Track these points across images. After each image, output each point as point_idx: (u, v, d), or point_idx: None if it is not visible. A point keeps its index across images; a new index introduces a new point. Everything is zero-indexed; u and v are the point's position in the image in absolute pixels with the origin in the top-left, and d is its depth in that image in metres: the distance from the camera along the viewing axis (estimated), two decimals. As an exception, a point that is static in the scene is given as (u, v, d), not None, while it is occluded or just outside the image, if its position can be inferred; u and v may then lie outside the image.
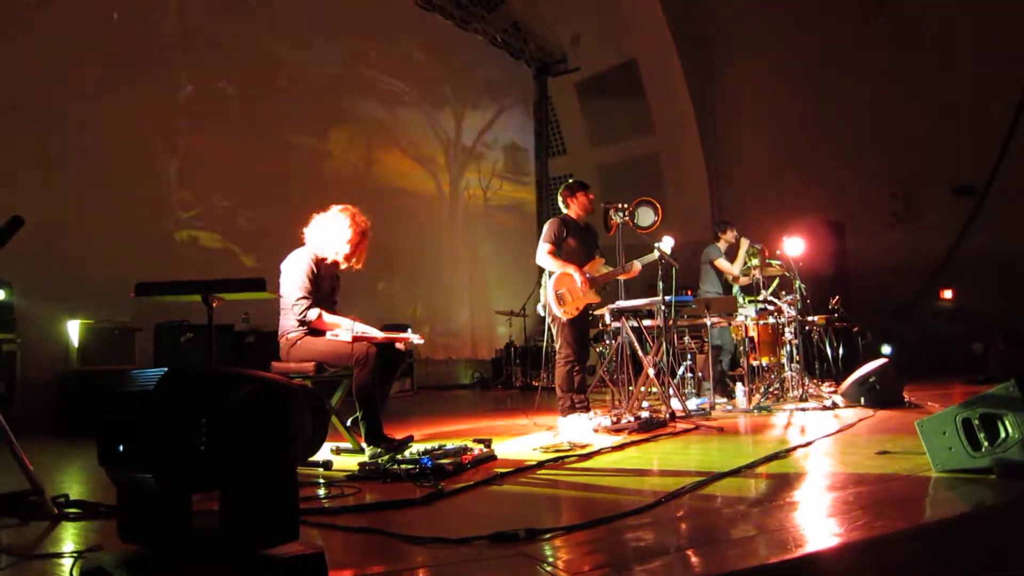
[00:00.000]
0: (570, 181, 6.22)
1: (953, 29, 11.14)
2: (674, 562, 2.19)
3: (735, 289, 8.13)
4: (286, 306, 4.46)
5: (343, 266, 4.67)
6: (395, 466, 3.60)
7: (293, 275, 4.45)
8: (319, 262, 4.55)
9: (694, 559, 2.23)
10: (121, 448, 1.74)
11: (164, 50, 8.22)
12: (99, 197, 7.42)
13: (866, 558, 2.26)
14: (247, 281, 3.75)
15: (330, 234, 4.57)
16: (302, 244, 4.65)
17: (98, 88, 7.52)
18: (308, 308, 4.37)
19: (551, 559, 2.22)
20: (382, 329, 4.58)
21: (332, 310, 4.59)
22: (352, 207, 4.68)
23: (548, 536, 2.43)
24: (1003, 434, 3.13)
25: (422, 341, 4.62)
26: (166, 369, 1.71)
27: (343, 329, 4.37)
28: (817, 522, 2.62)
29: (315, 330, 4.41)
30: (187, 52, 8.44)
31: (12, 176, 6.77)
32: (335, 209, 4.64)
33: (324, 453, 4.25)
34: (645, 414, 5.72)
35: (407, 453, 3.95)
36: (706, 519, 2.80)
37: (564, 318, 5.64)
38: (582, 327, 5.80)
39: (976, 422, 3.20)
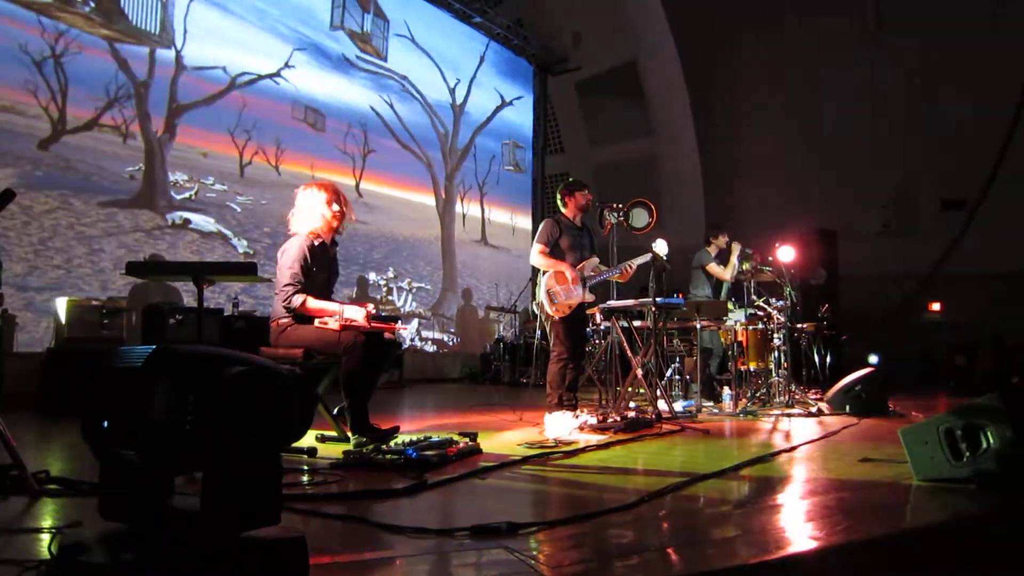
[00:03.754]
0: (569, 180, 6.23)
1: (946, 45, 11.20)
2: (655, 559, 2.20)
3: (723, 292, 8.15)
4: (279, 291, 4.46)
5: (340, 226, 4.70)
6: (380, 456, 3.60)
7: (284, 261, 4.45)
8: (313, 248, 4.54)
9: (675, 557, 2.24)
10: (105, 423, 1.73)
11: (162, 29, 8.20)
12: (92, 175, 7.39)
13: (845, 562, 2.28)
14: (239, 265, 3.75)
15: (313, 211, 4.59)
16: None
17: (94, 64, 7.49)
18: (293, 295, 4.37)
19: (532, 552, 2.22)
20: (371, 321, 4.57)
21: (329, 297, 4.59)
22: (311, 183, 4.76)
23: (530, 530, 2.43)
24: (984, 445, 3.15)
25: (407, 331, 4.63)
26: (154, 346, 1.71)
27: (331, 317, 4.36)
28: (798, 525, 2.63)
29: (302, 316, 4.40)
30: (183, 33, 8.41)
31: (4, 150, 6.74)
32: (301, 192, 4.69)
33: (309, 440, 4.25)
34: (631, 414, 5.74)
35: (392, 443, 3.95)
36: (688, 519, 2.81)
37: (556, 316, 5.65)
38: (576, 326, 5.80)
39: (958, 432, 3.22)
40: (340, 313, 4.37)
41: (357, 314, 4.41)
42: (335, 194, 4.67)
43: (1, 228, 6.55)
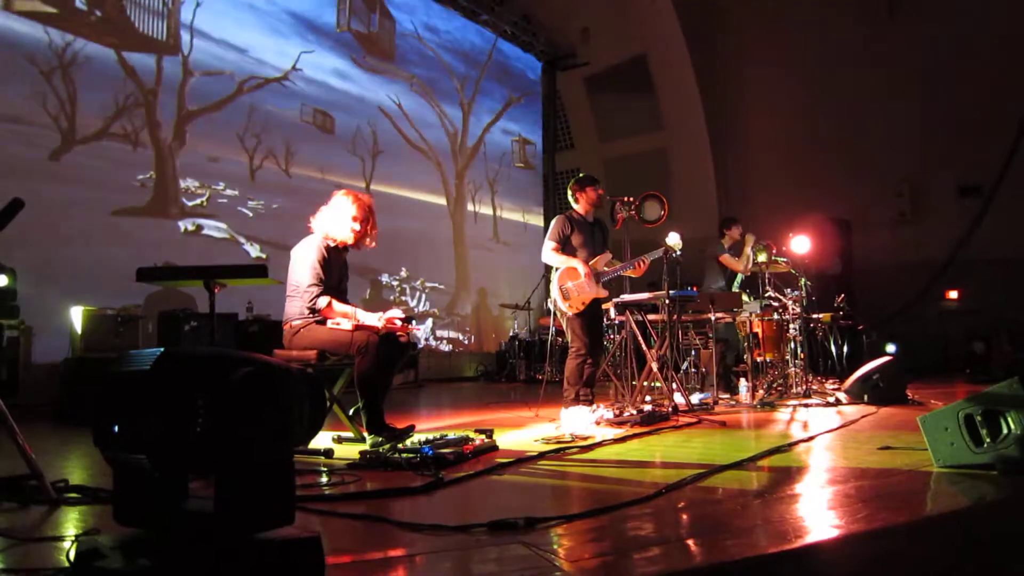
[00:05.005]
0: (580, 176, 6.20)
1: (960, 29, 11.09)
2: (674, 551, 2.19)
3: (736, 284, 8.10)
4: (294, 293, 4.47)
5: (357, 245, 4.67)
6: (396, 455, 3.60)
7: (303, 263, 4.45)
8: (329, 249, 4.55)
9: (694, 548, 2.22)
10: (116, 429, 1.73)
11: (169, 36, 8.24)
12: (103, 184, 7.43)
13: (866, 550, 2.25)
14: (249, 267, 3.74)
15: (336, 220, 4.57)
16: (310, 233, 4.66)
17: (103, 73, 7.52)
18: (318, 296, 4.38)
19: (550, 547, 2.21)
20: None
21: (342, 299, 4.59)
22: (346, 191, 4.70)
23: (548, 525, 2.41)
24: (1005, 430, 3.11)
25: (420, 331, 4.62)
26: (162, 349, 1.70)
27: (345, 318, 4.37)
28: (818, 514, 2.61)
29: (321, 318, 4.41)
30: (189, 40, 8.45)
31: (16, 162, 6.78)
32: (337, 195, 4.67)
33: (326, 441, 4.26)
34: (648, 407, 5.72)
35: (408, 442, 3.95)
36: (707, 510, 2.78)
37: (570, 312, 5.63)
38: (592, 321, 5.78)
39: (979, 418, 3.19)
40: (369, 321, 4.38)
41: (372, 320, 4.41)
42: (366, 213, 4.65)
43: (14, 239, 6.58)
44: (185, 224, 8.15)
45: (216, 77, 8.69)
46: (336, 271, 4.65)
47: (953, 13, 11.20)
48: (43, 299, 6.80)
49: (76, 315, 6.42)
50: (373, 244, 4.75)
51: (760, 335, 7.22)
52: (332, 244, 4.59)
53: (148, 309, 7.16)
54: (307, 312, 4.42)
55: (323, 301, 4.39)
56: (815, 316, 7.90)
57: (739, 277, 8.10)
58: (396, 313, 4.56)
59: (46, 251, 6.88)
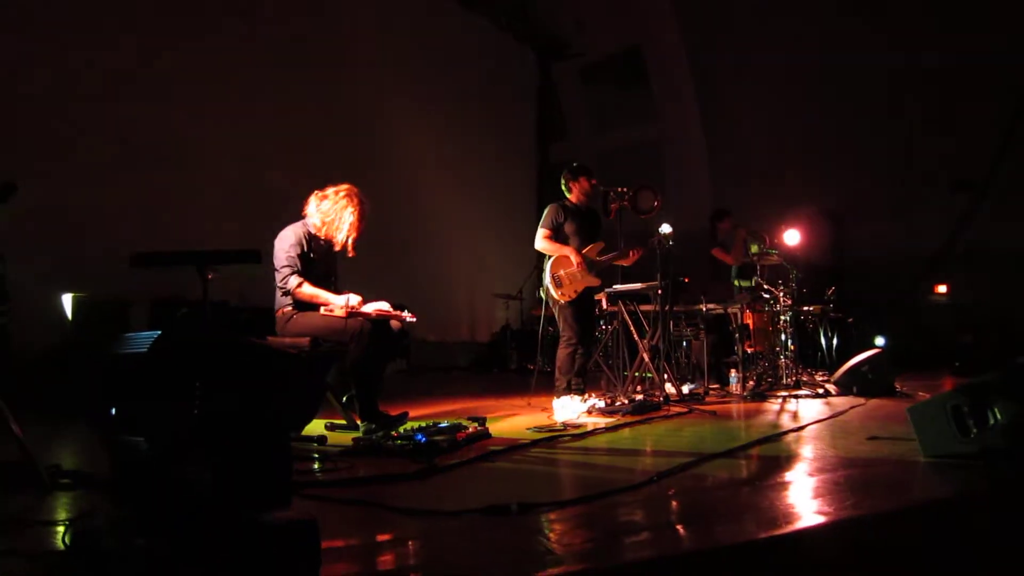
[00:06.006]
0: (573, 165, 6.21)
1: (955, 22, 11.11)
2: (664, 536, 2.21)
3: (733, 275, 8.14)
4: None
5: (349, 249, 4.68)
6: (390, 442, 3.62)
7: (280, 247, 4.46)
8: (311, 237, 4.55)
9: (684, 533, 2.25)
10: (113, 411, 1.74)
11: (166, 27, 8.19)
12: (96, 171, 7.38)
13: (852, 537, 2.28)
14: (242, 252, 3.71)
15: (334, 221, 4.57)
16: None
17: (96, 62, 7.47)
18: (289, 276, 4.38)
19: (543, 532, 2.24)
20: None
21: (330, 289, 4.58)
22: (350, 188, 4.70)
23: (540, 510, 2.44)
24: (992, 421, 3.14)
25: (414, 319, 4.62)
26: (160, 333, 1.72)
27: (337, 305, 4.37)
28: (805, 502, 2.64)
29: (304, 304, 4.41)
30: (188, 29, 8.40)
31: (8, 148, 6.73)
32: (339, 193, 4.65)
33: (319, 429, 4.27)
34: (639, 397, 5.76)
35: (401, 429, 3.97)
36: (697, 497, 2.82)
37: (562, 300, 5.65)
38: (584, 310, 5.81)
39: (966, 409, 3.21)
40: (337, 303, 4.37)
41: (354, 299, 4.40)
42: (360, 222, 4.65)
43: (5, 223, 6.54)
44: (178, 211, 8.11)
45: (210, 64, 8.61)
46: (321, 260, 4.64)
47: (946, 6, 11.21)
48: (32, 285, 6.76)
49: (67, 301, 6.39)
50: (353, 254, 4.73)
51: (751, 327, 7.26)
52: (313, 233, 4.59)
53: (137, 295, 7.12)
54: (282, 295, 4.43)
55: (294, 281, 4.39)
56: (806, 308, 7.95)
57: (734, 269, 8.14)
58: (384, 306, 4.55)
59: (37, 235, 6.83)
